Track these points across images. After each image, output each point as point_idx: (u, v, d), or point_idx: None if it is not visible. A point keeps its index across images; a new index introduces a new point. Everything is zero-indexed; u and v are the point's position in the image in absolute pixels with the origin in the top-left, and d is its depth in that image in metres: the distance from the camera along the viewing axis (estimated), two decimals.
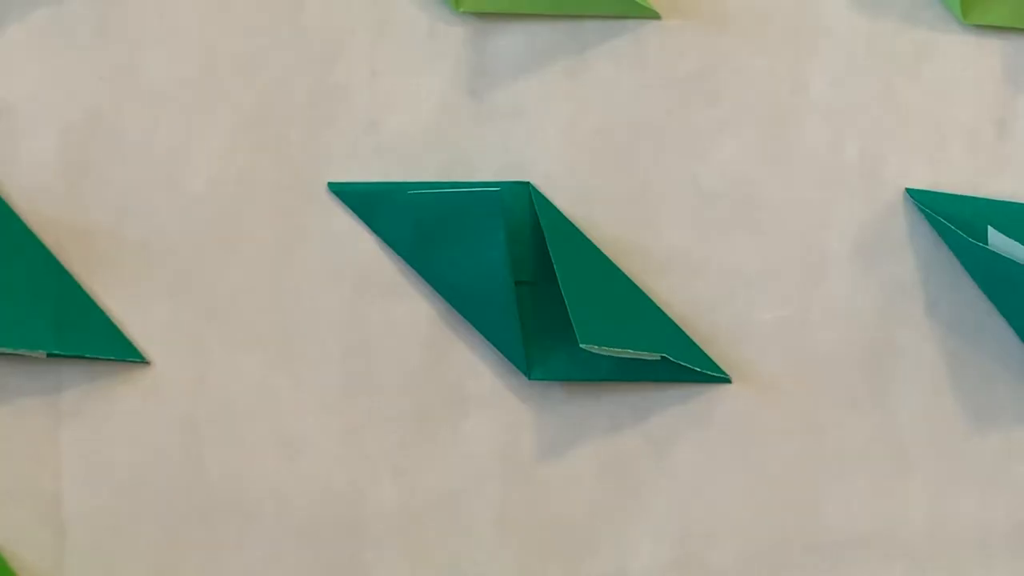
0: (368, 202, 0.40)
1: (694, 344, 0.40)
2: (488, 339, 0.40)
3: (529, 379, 0.39)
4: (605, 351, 0.38)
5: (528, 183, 0.39)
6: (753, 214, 0.39)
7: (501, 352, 0.40)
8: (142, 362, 0.40)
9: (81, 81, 0.40)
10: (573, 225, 0.40)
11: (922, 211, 0.39)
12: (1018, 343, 0.39)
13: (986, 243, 0.38)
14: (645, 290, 0.40)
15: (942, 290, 0.39)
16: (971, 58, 0.39)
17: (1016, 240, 0.38)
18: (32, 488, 0.40)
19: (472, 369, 0.40)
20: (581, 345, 0.37)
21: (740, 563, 0.40)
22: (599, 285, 0.40)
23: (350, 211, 0.40)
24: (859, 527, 0.39)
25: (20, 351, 0.40)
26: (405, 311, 0.40)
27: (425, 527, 0.40)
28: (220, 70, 0.40)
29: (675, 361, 0.39)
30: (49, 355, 0.40)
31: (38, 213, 0.41)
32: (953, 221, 0.39)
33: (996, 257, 0.38)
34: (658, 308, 0.40)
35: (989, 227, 0.38)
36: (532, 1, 0.40)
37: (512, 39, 0.40)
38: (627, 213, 0.40)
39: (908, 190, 0.39)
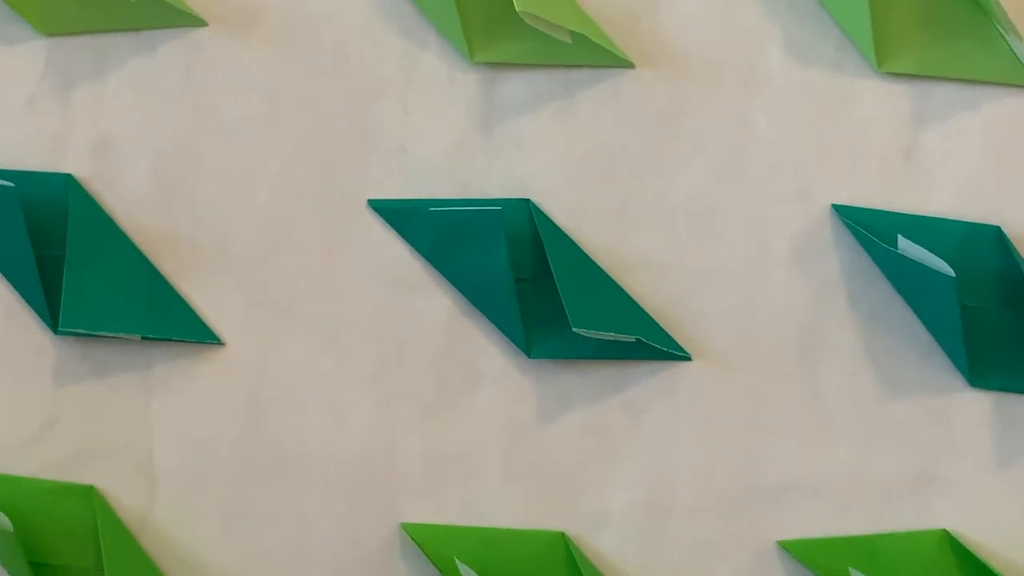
0: (399, 216, 0.42)
1: (662, 329, 0.41)
2: (496, 325, 0.42)
3: (529, 357, 0.41)
4: (591, 334, 0.40)
5: (528, 200, 0.41)
6: (709, 225, 0.41)
7: (506, 336, 0.42)
8: (218, 343, 0.42)
9: (170, 117, 0.42)
10: (564, 233, 0.42)
11: (845, 223, 0.41)
12: (922, 328, 0.41)
13: (896, 248, 0.40)
14: (623, 285, 0.41)
15: (861, 286, 0.41)
16: (883, 99, 0.41)
17: (920, 245, 0.39)
18: (129, 446, 0.43)
19: (483, 350, 0.42)
20: (573, 329, 0.39)
21: (697, 503, 0.42)
22: (586, 281, 0.41)
23: (385, 223, 0.42)
24: (792, 475, 0.41)
25: (120, 335, 0.42)
26: (428, 304, 0.42)
27: (445, 476, 0.42)
28: (281, 108, 0.42)
29: (647, 342, 0.41)
30: (143, 338, 0.42)
31: (135, 224, 0.43)
32: (869, 230, 0.40)
33: (904, 259, 0.39)
34: (633, 300, 0.42)
35: (899, 235, 0.40)
36: (531, 54, 0.41)
37: (515, 84, 0.42)
38: (608, 224, 0.42)
39: (834, 206, 0.41)
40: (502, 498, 0.42)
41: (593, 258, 0.42)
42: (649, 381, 0.42)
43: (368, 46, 0.42)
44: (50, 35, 0.42)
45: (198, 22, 0.42)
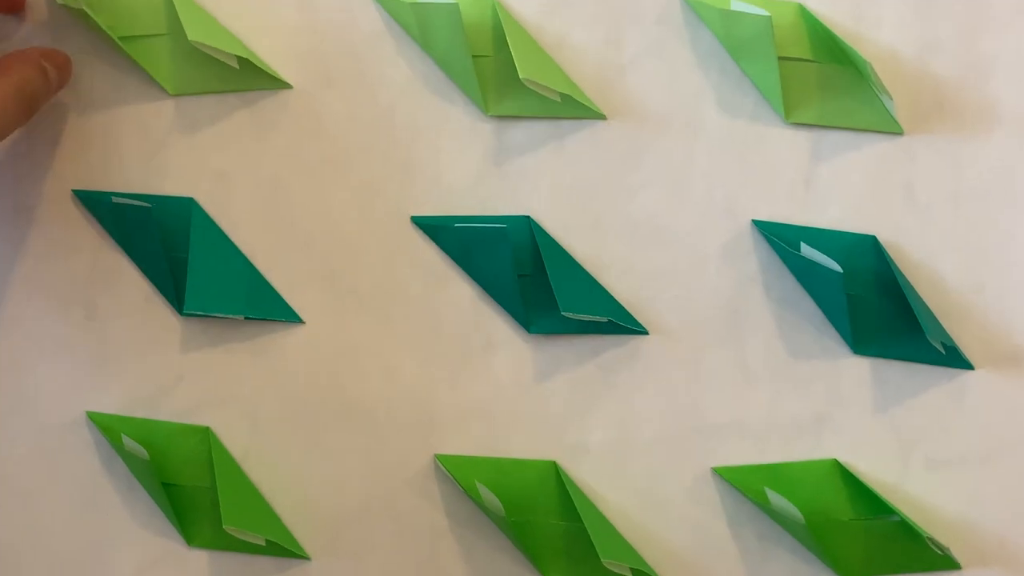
0: (433, 229, 0.45)
1: (626, 311, 0.45)
2: (504, 308, 0.45)
3: (529, 332, 0.45)
4: (575, 316, 0.43)
5: (528, 217, 0.45)
6: (662, 235, 0.44)
7: (512, 316, 0.45)
8: (300, 322, 0.46)
9: (265, 156, 0.45)
10: (555, 241, 0.45)
11: (762, 233, 0.44)
12: (818, 310, 0.44)
13: (799, 252, 0.43)
14: (598, 280, 0.45)
15: (773, 279, 0.44)
16: (789, 142, 0.44)
17: (816, 250, 0.42)
18: (235, 398, 0.46)
19: (495, 326, 0.46)
20: (562, 312, 0.42)
21: (653, 439, 0.45)
22: (571, 277, 0.45)
23: (424, 234, 0.45)
24: (723, 418, 0.45)
25: (228, 315, 0.45)
26: (455, 292, 0.45)
27: (469, 419, 0.45)
28: (348, 149, 0.45)
29: (615, 322, 0.44)
30: (245, 318, 0.46)
31: (239, 234, 0.46)
32: (780, 239, 0.43)
33: (805, 260, 0.43)
34: (605, 290, 0.45)
35: (801, 242, 0.43)
36: (530, 109, 0.44)
37: (519, 131, 0.45)
38: (587, 234, 0.45)
39: (754, 221, 0.44)
40: (510, 435, 0.46)
41: (576, 260, 0.45)
42: (617, 350, 0.45)
43: (411, 103, 0.45)
44: (177, 95, 0.44)
45: (286, 85, 0.44)
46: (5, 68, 0.40)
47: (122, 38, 0.43)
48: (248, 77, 0.45)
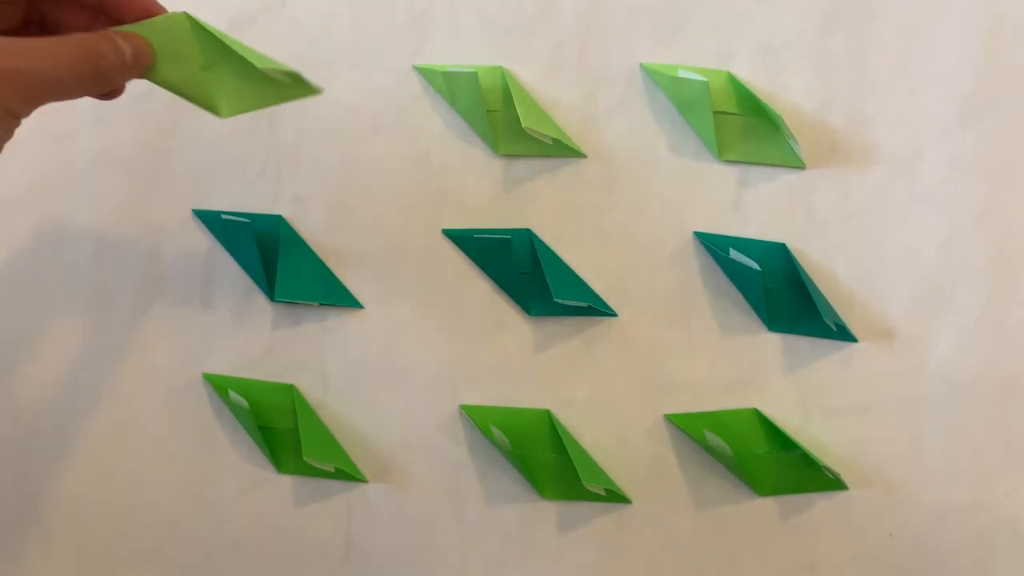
0: (459, 239, 0.46)
1: (601, 299, 0.45)
2: (511, 297, 0.46)
3: (529, 315, 0.46)
4: (564, 301, 0.43)
5: (529, 229, 0.46)
6: (627, 243, 0.45)
7: (517, 303, 0.46)
8: (360, 307, 0.46)
9: (333, 181, 0.46)
10: (548, 247, 0.46)
11: (702, 243, 0.45)
12: (743, 299, 0.45)
13: (729, 255, 0.44)
14: (580, 276, 0.46)
15: (710, 276, 0.45)
16: (721, 175, 0.45)
17: (742, 253, 0.44)
18: (312, 363, 0.47)
19: (504, 310, 0.46)
20: (555, 299, 0.42)
21: (622, 396, 0.46)
22: (561, 273, 0.45)
23: (452, 242, 0.46)
24: (674, 378, 0.45)
25: (306, 302, 0.46)
26: (475, 286, 0.46)
27: (485, 379, 0.46)
28: (393, 180, 0.46)
29: (594, 306, 0.44)
30: (319, 304, 0.46)
31: (315, 241, 0.46)
32: (715, 246, 0.44)
33: (733, 261, 0.44)
34: (586, 283, 0.45)
35: (731, 248, 0.44)
36: (530, 149, 0.45)
37: (522, 166, 0.46)
38: (572, 243, 0.46)
39: (696, 233, 0.45)
40: (516, 391, 0.46)
41: (565, 261, 0.46)
42: (595, 327, 0.46)
43: (443, 146, 0.46)
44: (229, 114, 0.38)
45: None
46: (76, 35, 0.32)
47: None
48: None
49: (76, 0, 0.34)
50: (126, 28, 0.33)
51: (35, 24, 0.35)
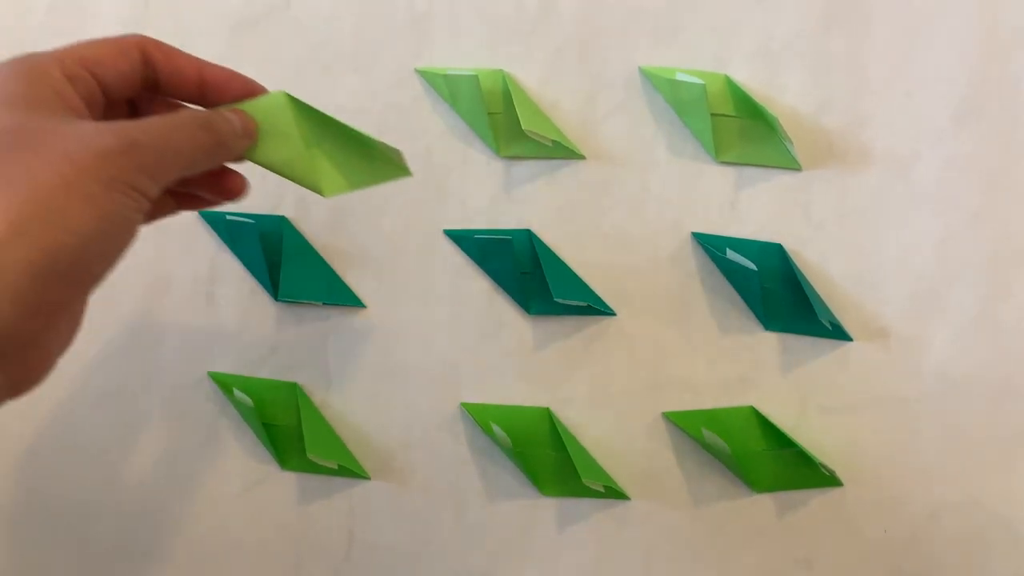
0: (460, 239, 0.46)
1: (600, 298, 0.45)
2: (511, 296, 0.46)
3: (529, 314, 0.46)
4: (564, 301, 0.43)
5: (529, 230, 0.45)
6: (627, 243, 0.45)
7: (516, 302, 0.46)
8: (362, 306, 0.46)
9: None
10: (548, 247, 0.45)
11: (700, 243, 0.45)
12: (740, 298, 0.45)
13: (726, 255, 0.44)
14: (579, 275, 0.46)
15: (708, 275, 0.45)
16: (719, 175, 0.45)
17: (739, 254, 0.44)
18: (315, 361, 0.46)
19: (504, 309, 0.46)
20: (554, 298, 0.42)
21: (620, 392, 0.45)
22: (560, 273, 0.45)
23: (453, 242, 0.46)
24: (672, 376, 0.45)
25: (309, 301, 0.46)
26: (476, 285, 0.46)
27: (486, 377, 0.46)
28: (397, 182, 0.39)
29: (592, 305, 0.44)
30: (322, 303, 0.46)
31: (318, 241, 0.46)
32: (712, 246, 0.44)
33: (730, 261, 0.44)
34: (585, 282, 0.45)
35: (727, 248, 0.44)
36: (530, 151, 0.45)
37: (522, 167, 0.46)
38: (571, 242, 0.45)
39: (693, 233, 0.45)
40: (516, 388, 0.46)
41: (564, 261, 0.46)
42: (594, 326, 0.46)
43: (444, 147, 0.46)
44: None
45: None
46: (185, 110, 0.31)
47: None
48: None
49: (169, 96, 0.33)
50: (229, 107, 0.33)
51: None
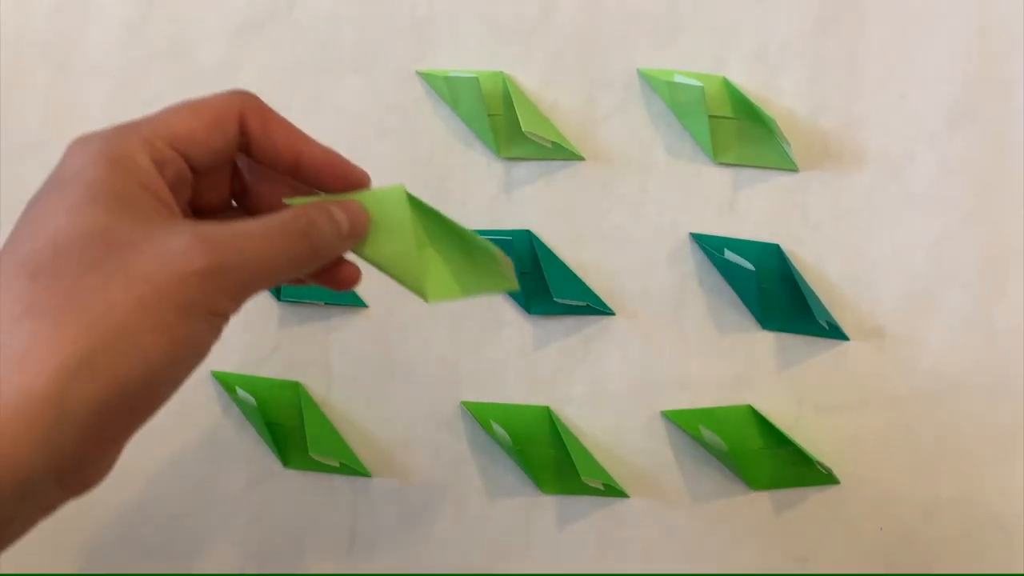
0: None
1: (599, 298, 0.45)
2: (511, 296, 0.46)
3: (529, 313, 0.46)
4: (563, 301, 0.44)
5: (529, 231, 0.46)
6: (625, 243, 0.45)
7: (517, 302, 0.46)
8: (364, 307, 0.46)
9: None
10: (548, 248, 0.46)
11: (698, 243, 0.45)
12: (737, 298, 0.45)
13: (724, 255, 0.44)
14: (579, 275, 0.46)
15: (705, 275, 0.45)
16: (717, 176, 0.45)
17: (736, 254, 0.44)
18: (317, 361, 0.47)
19: (505, 308, 0.46)
20: (554, 298, 0.43)
21: (618, 391, 0.46)
22: (560, 273, 0.45)
23: None
24: (670, 375, 0.45)
25: (312, 301, 0.46)
26: None
27: (486, 376, 0.46)
28: (399, 183, 0.37)
29: (592, 305, 0.45)
30: (324, 303, 0.46)
31: None
32: (710, 247, 0.44)
33: (728, 261, 0.44)
34: (584, 283, 0.45)
35: (725, 249, 0.44)
36: (530, 152, 0.45)
37: (522, 168, 0.46)
38: (571, 243, 0.46)
39: (691, 234, 0.45)
40: (516, 388, 0.46)
41: (563, 261, 0.46)
42: (593, 326, 0.46)
43: (445, 148, 0.46)
44: None
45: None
46: (285, 213, 0.28)
47: None
48: None
49: (261, 164, 0.31)
50: (342, 197, 0.30)
51: (241, 195, 0.32)
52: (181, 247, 0.25)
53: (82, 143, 0.27)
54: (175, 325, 0.24)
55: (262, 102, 0.29)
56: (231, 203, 0.32)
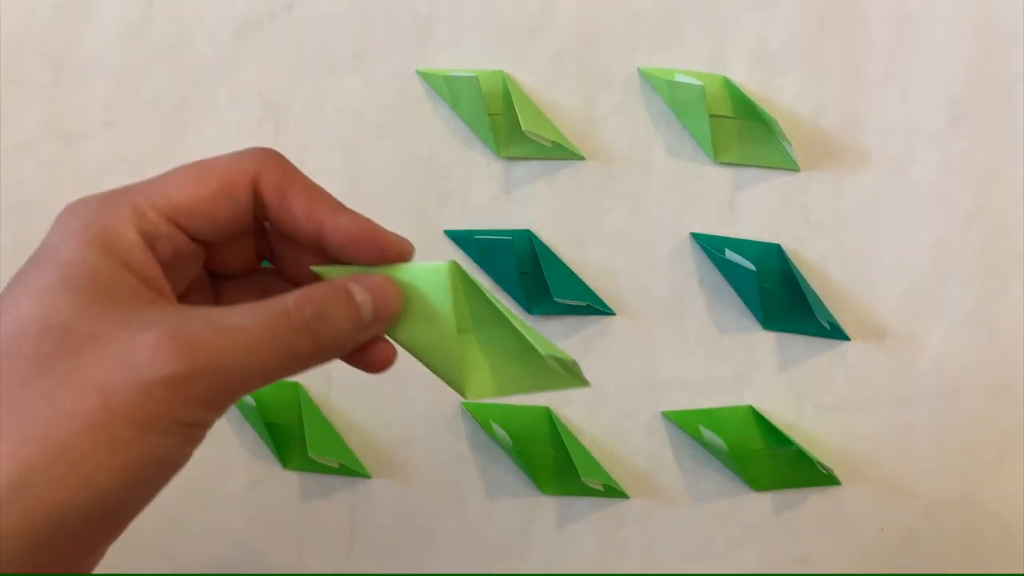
0: (461, 239, 0.46)
1: (599, 298, 0.45)
2: (512, 296, 0.46)
3: (530, 313, 0.46)
4: (564, 300, 0.44)
5: (529, 230, 0.45)
6: (625, 243, 0.45)
7: (517, 302, 0.46)
8: None
9: (337, 184, 0.35)
10: (548, 248, 0.46)
11: (698, 243, 0.45)
12: (738, 298, 0.45)
13: (724, 255, 0.44)
14: (579, 275, 0.46)
15: (706, 275, 0.45)
16: (717, 176, 0.45)
17: (737, 254, 0.44)
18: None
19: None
20: (554, 298, 0.43)
21: (618, 392, 0.46)
22: (560, 273, 0.45)
23: (454, 243, 0.46)
24: (670, 376, 0.45)
25: None
26: None
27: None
28: (396, 182, 0.45)
29: (592, 305, 0.45)
30: None
31: None
32: (711, 246, 0.44)
33: (729, 261, 0.44)
34: (584, 282, 0.46)
35: (726, 249, 0.44)
36: (530, 152, 0.45)
37: (522, 168, 0.46)
38: (571, 243, 0.46)
39: (692, 233, 0.45)
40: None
41: (564, 261, 0.46)
42: (593, 326, 0.46)
43: (445, 148, 0.46)
44: None
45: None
46: (292, 296, 0.24)
47: None
48: None
49: (282, 236, 0.27)
50: (375, 271, 0.26)
51: (268, 258, 0.28)
52: (147, 347, 0.21)
53: (69, 212, 0.24)
54: (131, 442, 0.21)
55: (282, 162, 0.25)
56: (259, 264, 0.28)
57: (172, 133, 0.47)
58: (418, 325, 0.26)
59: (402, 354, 0.43)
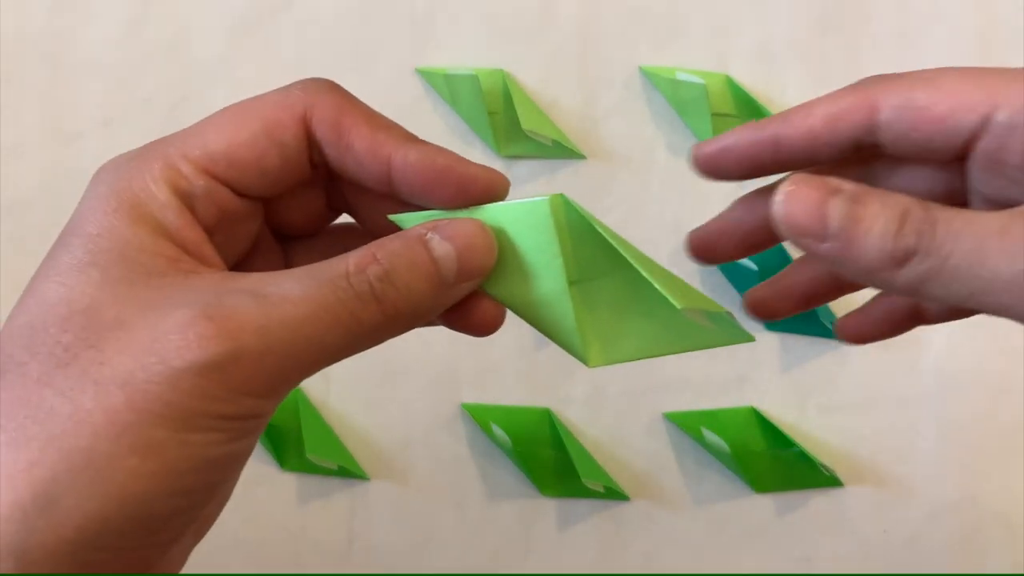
0: None
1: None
2: None
3: None
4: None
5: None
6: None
7: None
8: None
9: None
10: None
11: None
12: (739, 297, 0.43)
13: None
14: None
15: (707, 276, 0.45)
16: None
17: None
18: None
19: (504, 309, 0.46)
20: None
21: (620, 392, 0.46)
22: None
23: None
24: (672, 377, 0.45)
25: None
26: None
27: (486, 378, 0.45)
28: None
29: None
30: None
31: None
32: None
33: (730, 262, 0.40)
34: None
35: None
36: (530, 150, 0.44)
37: (523, 167, 0.46)
38: None
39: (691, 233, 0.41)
40: (516, 389, 0.46)
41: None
42: None
43: (444, 146, 0.46)
44: None
45: None
46: (346, 258, 0.20)
47: None
48: None
49: (348, 181, 0.22)
50: (459, 214, 0.21)
51: (345, 210, 0.24)
52: (176, 330, 0.18)
53: (99, 175, 0.20)
54: (165, 444, 0.18)
55: (337, 92, 0.21)
56: (333, 219, 0.24)
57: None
58: (519, 279, 0.21)
59: (399, 352, 0.42)
